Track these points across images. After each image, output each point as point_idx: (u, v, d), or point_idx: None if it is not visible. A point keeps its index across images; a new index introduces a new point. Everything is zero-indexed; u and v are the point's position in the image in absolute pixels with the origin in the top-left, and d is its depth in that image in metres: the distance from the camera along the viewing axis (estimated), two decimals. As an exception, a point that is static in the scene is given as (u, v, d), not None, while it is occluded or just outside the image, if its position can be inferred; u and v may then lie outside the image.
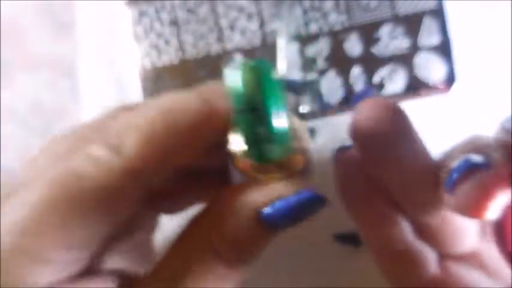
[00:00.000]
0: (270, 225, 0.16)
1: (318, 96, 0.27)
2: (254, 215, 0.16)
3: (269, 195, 0.16)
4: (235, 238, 0.16)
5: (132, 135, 0.16)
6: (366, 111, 0.16)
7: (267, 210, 0.16)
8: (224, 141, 0.16)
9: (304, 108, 0.27)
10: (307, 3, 0.26)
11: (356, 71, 0.27)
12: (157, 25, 0.27)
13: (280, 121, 0.15)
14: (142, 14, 0.27)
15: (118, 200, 0.16)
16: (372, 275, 0.28)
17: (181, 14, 0.27)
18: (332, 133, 0.27)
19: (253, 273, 0.28)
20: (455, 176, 0.15)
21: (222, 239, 0.16)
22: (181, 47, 0.27)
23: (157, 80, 0.27)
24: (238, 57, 0.27)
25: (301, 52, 0.27)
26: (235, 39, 0.27)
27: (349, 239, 0.27)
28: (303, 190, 0.17)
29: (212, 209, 0.17)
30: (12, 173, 0.28)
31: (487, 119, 0.27)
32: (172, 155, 0.16)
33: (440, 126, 0.27)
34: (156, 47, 0.27)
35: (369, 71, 0.27)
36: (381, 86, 0.27)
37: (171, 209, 0.21)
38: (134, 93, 0.27)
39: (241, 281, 0.17)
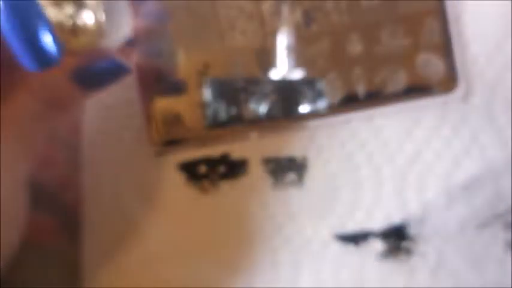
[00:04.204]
0: (79, 82, 0.21)
1: (318, 96, 0.27)
2: (67, 70, 0.21)
3: (80, 59, 0.21)
4: (51, 85, 0.21)
5: None
6: None
7: (77, 70, 0.21)
8: None
9: (304, 108, 0.27)
10: (307, 3, 0.26)
11: (356, 71, 0.27)
12: (157, 24, 0.27)
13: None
14: (143, 14, 0.27)
15: None
16: (369, 273, 0.28)
17: (181, 14, 0.27)
18: (332, 134, 0.27)
19: (253, 271, 0.28)
20: None
21: (38, 80, 0.21)
22: (181, 47, 0.27)
23: (158, 80, 0.27)
24: None
25: (302, 52, 0.27)
26: (236, 39, 0.27)
27: (350, 239, 0.28)
28: (108, 58, 0.22)
29: None
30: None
31: (487, 119, 0.27)
32: None
33: (441, 127, 0.27)
34: (156, 46, 0.27)
35: (370, 71, 0.27)
36: (381, 86, 0.27)
37: None
38: (134, 93, 0.27)
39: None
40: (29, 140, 0.22)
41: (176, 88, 0.27)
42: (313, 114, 0.27)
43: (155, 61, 0.27)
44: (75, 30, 0.21)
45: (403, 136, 0.27)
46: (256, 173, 0.28)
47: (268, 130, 0.27)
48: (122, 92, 0.28)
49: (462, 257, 0.27)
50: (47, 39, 0.18)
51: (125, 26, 0.23)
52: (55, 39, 0.19)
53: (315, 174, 0.27)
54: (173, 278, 0.28)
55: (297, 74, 0.27)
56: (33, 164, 0.22)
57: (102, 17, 0.21)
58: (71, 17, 0.21)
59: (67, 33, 0.21)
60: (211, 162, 0.28)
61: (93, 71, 0.21)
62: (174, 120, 0.27)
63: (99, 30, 0.21)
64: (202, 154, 0.28)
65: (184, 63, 0.27)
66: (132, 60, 0.23)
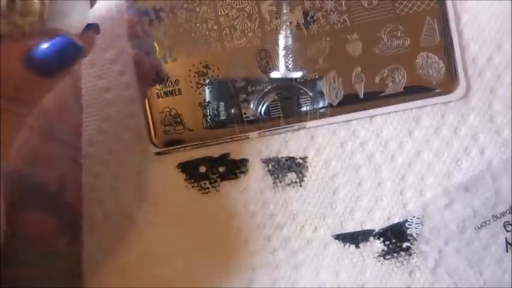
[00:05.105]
0: (33, 67, 0.20)
1: (318, 96, 0.27)
2: (19, 57, 0.20)
3: (29, 43, 0.20)
4: (6, 77, 0.20)
5: None
6: None
7: (29, 55, 0.20)
8: None
9: (304, 108, 0.27)
10: (307, 3, 0.26)
11: (356, 71, 0.27)
12: (157, 24, 0.27)
13: None
14: (142, 13, 0.27)
15: None
16: (369, 273, 0.28)
17: (181, 14, 0.27)
18: (332, 134, 0.27)
19: (253, 271, 0.28)
20: None
21: None
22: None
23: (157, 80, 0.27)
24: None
25: (302, 52, 0.27)
26: (236, 39, 0.27)
27: (350, 239, 0.28)
28: (59, 37, 0.20)
29: None
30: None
31: (487, 119, 0.27)
32: None
33: (441, 127, 0.27)
34: (156, 46, 0.27)
35: (370, 71, 0.27)
36: (381, 86, 0.27)
37: None
38: (134, 93, 0.27)
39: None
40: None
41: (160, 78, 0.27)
42: (313, 114, 0.27)
43: (151, 59, 0.27)
44: (20, 9, 0.20)
45: (403, 136, 0.27)
46: (256, 173, 0.28)
47: (268, 130, 0.27)
48: (122, 92, 0.28)
49: (462, 256, 0.27)
50: None
51: (81, 10, 0.22)
52: None
53: (315, 174, 0.27)
54: (173, 278, 0.28)
55: (297, 74, 0.27)
56: (13, 162, 0.22)
57: None
58: None
59: (13, 13, 0.20)
60: (211, 162, 0.28)
61: (45, 52, 0.20)
62: (174, 120, 0.27)
63: (45, 9, 0.21)
64: (202, 154, 0.28)
65: (184, 64, 0.27)
66: (93, 45, 0.22)
